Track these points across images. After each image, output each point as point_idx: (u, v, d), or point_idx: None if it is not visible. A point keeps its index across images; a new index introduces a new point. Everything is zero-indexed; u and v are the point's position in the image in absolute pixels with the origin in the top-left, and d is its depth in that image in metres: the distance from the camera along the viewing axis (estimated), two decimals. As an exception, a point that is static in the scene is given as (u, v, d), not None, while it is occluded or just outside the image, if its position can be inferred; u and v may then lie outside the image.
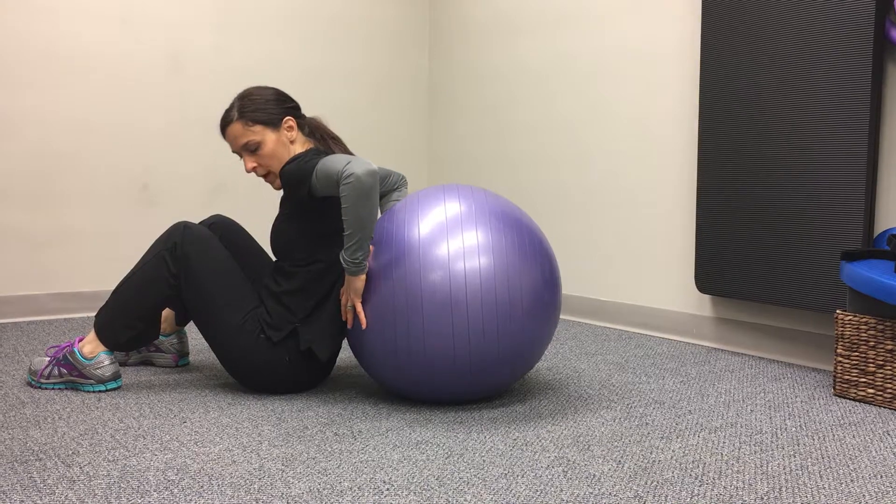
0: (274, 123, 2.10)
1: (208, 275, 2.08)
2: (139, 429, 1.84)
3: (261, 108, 2.09)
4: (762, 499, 1.47)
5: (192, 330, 3.06)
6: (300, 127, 2.17)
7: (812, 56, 2.38)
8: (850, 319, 2.14)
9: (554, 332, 2.03)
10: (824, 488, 1.53)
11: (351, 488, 1.50)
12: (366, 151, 3.96)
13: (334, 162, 1.93)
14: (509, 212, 2.01)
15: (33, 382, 2.16)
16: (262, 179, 3.66)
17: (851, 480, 1.57)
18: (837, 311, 2.17)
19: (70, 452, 1.67)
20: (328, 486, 1.51)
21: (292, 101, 2.17)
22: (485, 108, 3.79)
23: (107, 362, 2.14)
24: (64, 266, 3.26)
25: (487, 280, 1.88)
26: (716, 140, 2.65)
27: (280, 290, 2.07)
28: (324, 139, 2.21)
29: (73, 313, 3.27)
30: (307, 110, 3.77)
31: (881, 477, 1.59)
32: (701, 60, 2.69)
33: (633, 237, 3.09)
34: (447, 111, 4.03)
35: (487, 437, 1.80)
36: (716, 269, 2.68)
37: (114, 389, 2.16)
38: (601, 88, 3.19)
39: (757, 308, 2.70)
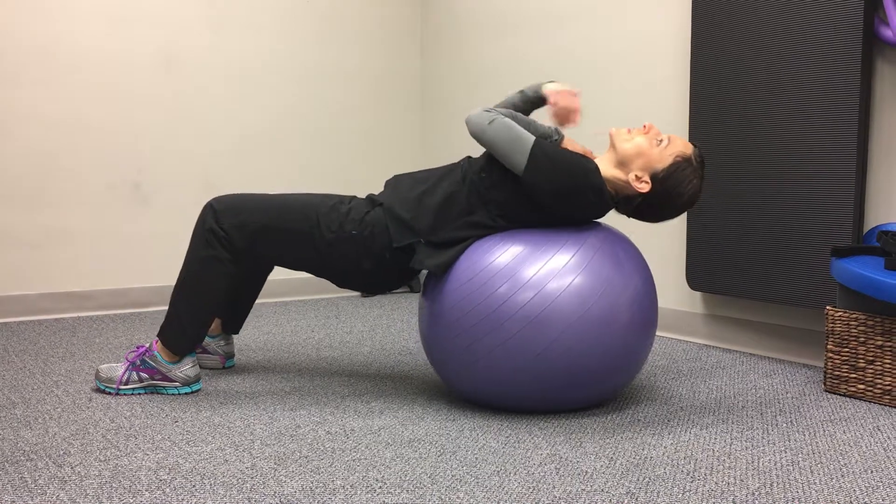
0: (656, 176, 2.00)
1: (273, 221, 2.06)
2: (130, 428, 1.83)
3: (671, 175, 2.00)
4: (753, 494, 1.48)
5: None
6: (629, 196, 2.06)
7: (802, 52, 2.39)
8: (840, 315, 2.15)
9: (651, 344, 2.04)
10: (815, 483, 1.54)
11: (343, 486, 1.50)
12: (359, 150, 3.95)
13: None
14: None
15: (111, 390, 2.11)
16: (253, 177, 3.67)
17: (842, 475, 1.58)
18: (828, 308, 2.18)
19: (61, 453, 1.67)
20: (321, 485, 1.51)
21: (673, 207, 2.04)
22: (477, 105, 3.79)
23: (190, 364, 2.12)
24: (56, 266, 3.25)
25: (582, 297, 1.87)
26: (706, 136, 2.66)
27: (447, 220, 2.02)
28: (620, 199, 2.09)
29: (65, 313, 3.26)
30: (301, 109, 3.77)
31: (872, 472, 1.60)
32: (691, 57, 2.69)
33: (625, 234, 3.10)
34: (440, 109, 4.03)
35: (480, 434, 1.80)
36: (707, 265, 2.68)
37: (197, 391, 2.15)
38: (593, 85, 3.20)
39: (748, 305, 2.71)
